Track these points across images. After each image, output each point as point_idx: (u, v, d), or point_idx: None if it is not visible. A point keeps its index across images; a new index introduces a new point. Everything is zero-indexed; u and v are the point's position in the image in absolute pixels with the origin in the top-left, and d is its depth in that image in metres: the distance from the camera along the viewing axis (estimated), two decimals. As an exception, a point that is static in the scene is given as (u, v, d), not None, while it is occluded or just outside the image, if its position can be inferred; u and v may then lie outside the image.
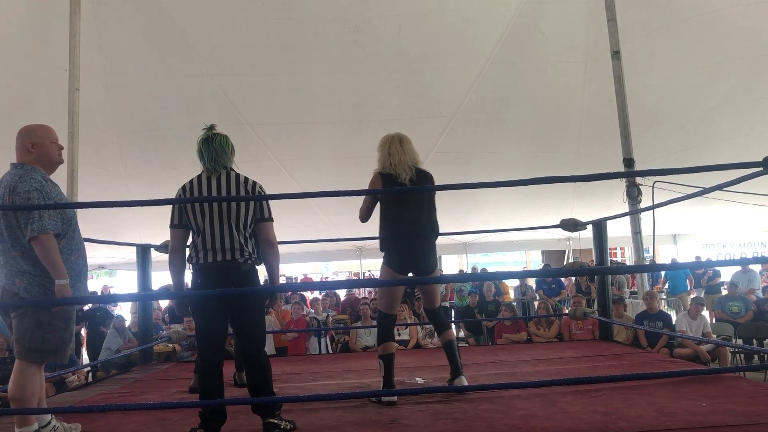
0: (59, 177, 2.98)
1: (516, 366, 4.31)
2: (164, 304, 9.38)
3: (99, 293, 10.70)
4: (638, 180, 6.82)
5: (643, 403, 2.92)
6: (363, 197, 3.46)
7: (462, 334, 8.61)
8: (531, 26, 8.34)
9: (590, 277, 8.72)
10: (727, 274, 10.94)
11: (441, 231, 3.51)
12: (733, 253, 16.12)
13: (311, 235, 8.33)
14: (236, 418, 2.93)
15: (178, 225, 2.80)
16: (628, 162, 7.04)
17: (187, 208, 2.76)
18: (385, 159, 3.42)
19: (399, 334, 6.78)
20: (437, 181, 3.58)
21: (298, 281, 15.33)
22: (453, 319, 8.83)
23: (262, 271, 2.94)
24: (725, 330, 7.80)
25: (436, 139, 9.46)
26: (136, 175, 9.63)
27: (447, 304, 9.73)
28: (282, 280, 4.17)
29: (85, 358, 8.34)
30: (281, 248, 2.94)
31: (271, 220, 2.84)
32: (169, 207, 2.83)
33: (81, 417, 2.96)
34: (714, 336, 7.24)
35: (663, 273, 11.56)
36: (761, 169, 2.74)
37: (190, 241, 2.83)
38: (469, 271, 12.83)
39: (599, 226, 5.30)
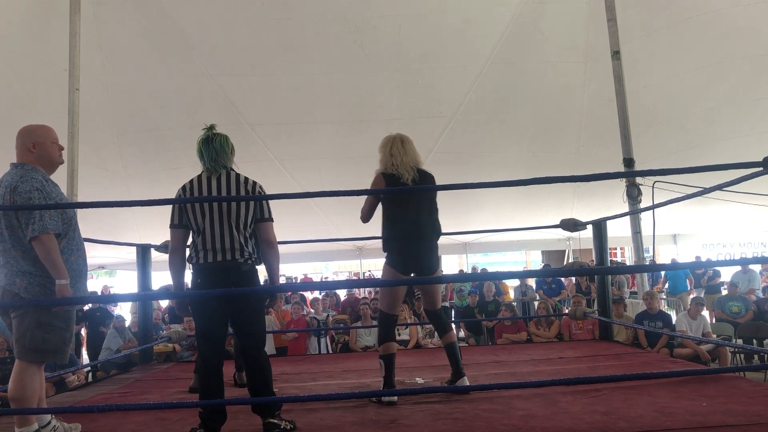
0: (59, 177, 2.98)
1: (516, 366, 4.31)
2: (164, 304, 9.38)
3: (99, 293, 10.70)
4: (638, 180, 6.83)
5: (643, 403, 2.92)
6: (363, 197, 3.46)
7: (462, 334, 8.61)
8: (531, 26, 8.34)
9: (590, 277, 8.72)
10: (727, 274, 10.94)
11: (441, 231, 3.51)
12: (733, 253, 16.12)
13: (311, 235, 8.32)
14: (236, 418, 2.93)
15: (178, 225, 2.80)
16: (628, 162, 7.05)
17: (187, 208, 2.76)
18: (387, 159, 3.42)
19: (399, 334, 6.78)
20: (437, 181, 3.59)
21: (298, 281, 15.33)
22: (453, 319, 8.84)
23: (262, 271, 2.94)
24: (725, 330, 7.80)
25: (436, 139, 9.46)
26: (136, 175, 9.63)
27: (447, 304, 9.74)
28: (282, 280, 4.17)
29: (85, 358, 8.34)
30: (281, 248, 2.94)
31: (271, 220, 2.84)
32: (169, 207, 2.83)
33: (81, 417, 2.96)
34: (714, 336, 7.24)
35: (663, 273, 11.57)
36: (761, 169, 2.75)
37: (190, 241, 2.83)
38: (469, 271, 12.82)
39: (599, 226, 5.30)
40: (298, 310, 7.83)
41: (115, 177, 9.55)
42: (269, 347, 6.71)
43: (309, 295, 10.48)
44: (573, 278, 9.91)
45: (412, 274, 3.41)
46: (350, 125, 9.15)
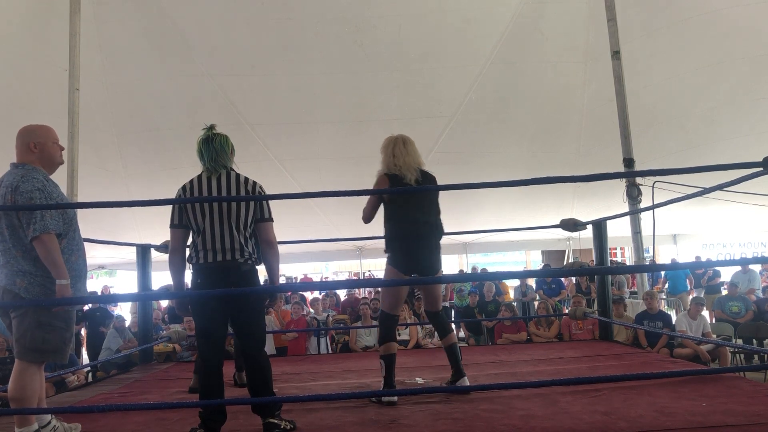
0: (59, 177, 2.99)
1: (516, 366, 4.31)
2: (164, 304, 9.38)
3: (99, 293, 10.70)
4: (638, 180, 6.83)
5: (643, 403, 2.92)
6: (364, 197, 3.46)
7: (462, 334, 8.61)
8: (531, 26, 8.34)
9: (590, 277, 8.72)
10: (727, 274, 10.94)
11: (444, 231, 3.51)
12: (733, 253, 16.12)
13: (311, 235, 8.33)
14: (236, 418, 2.93)
15: (178, 225, 2.80)
16: (628, 162, 7.05)
17: (187, 208, 2.76)
18: (390, 160, 3.42)
19: (399, 335, 6.78)
20: (438, 182, 3.59)
21: (298, 281, 15.33)
22: (453, 319, 8.84)
23: (262, 271, 2.94)
24: (725, 330, 7.80)
25: (436, 139, 9.46)
26: (136, 175, 9.63)
27: (447, 304, 9.74)
28: (282, 280, 4.17)
29: (85, 358, 8.35)
30: (281, 248, 2.95)
31: (271, 220, 2.84)
32: (169, 207, 2.83)
33: (81, 417, 2.96)
34: (714, 336, 7.24)
35: (663, 273, 11.57)
36: (761, 169, 2.75)
37: (190, 241, 2.83)
38: (469, 271, 12.82)
39: (599, 226, 5.30)
40: (298, 310, 7.83)
41: (115, 177, 9.55)
42: (269, 347, 6.71)
43: (309, 295, 10.47)
44: (573, 278, 9.91)
45: (413, 275, 3.42)
46: (350, 125, 9.15)
